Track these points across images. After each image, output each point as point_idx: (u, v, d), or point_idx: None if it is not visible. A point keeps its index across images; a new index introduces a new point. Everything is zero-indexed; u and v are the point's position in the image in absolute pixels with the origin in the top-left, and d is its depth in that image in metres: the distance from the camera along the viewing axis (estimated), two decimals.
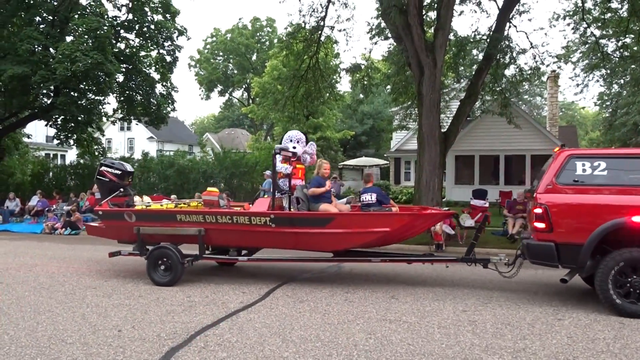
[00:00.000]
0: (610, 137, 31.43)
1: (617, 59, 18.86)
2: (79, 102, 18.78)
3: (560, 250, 6.03)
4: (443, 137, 13.56)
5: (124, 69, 19.90)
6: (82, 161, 22.60)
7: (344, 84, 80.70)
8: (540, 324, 5.48)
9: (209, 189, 9.45)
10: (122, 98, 20.97)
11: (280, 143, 8.29)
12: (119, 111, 22.14)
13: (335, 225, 7.19)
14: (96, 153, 22.78)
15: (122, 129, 47.37)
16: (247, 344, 4.77)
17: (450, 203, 19.83)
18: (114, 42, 19.55)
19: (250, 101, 51.24)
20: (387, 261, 7.64)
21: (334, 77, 21.04)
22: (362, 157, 38.01)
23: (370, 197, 7.99)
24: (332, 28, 16.86)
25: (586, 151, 6.78)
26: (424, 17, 14.89)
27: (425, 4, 14.87)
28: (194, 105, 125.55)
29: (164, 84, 21.76)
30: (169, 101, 21.79)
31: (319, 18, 16.26)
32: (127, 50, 20.53)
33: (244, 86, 56.59)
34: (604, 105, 35.19)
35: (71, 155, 35.32)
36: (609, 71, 23.35)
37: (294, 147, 8.14)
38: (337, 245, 7.38)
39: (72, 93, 18.51)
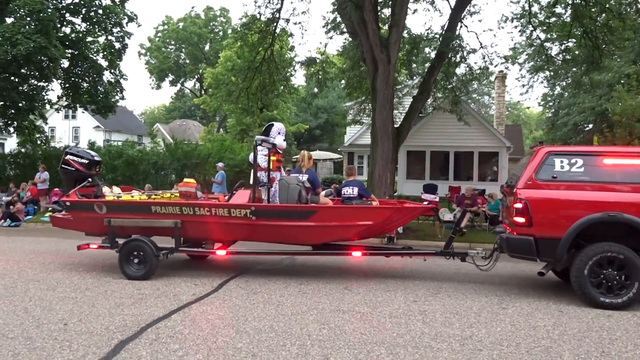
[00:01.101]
0: (552, 137, 32.87)
1: (560, 61, 19.71)
2: (20, 87, 17.88)
3: (539, 244, 6.23)
4: (396, 132, 13.80)
5: (69, 55, 19.09)
6: (23, 150, 21.53)
7: (299, 78, 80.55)
8: (486, 312, 5.70)
9: (185, 180, 9.21)
10: (67, 85, 20.12)
11: (262, 134, 8.07)
12: (64, 98, 21.23)
13: (319, 218, 7.16)
14: (38, 142, 21.76)
15: (66, 117, 45.40)
16: (199, 335, 4.72)
17: (401, 197, 20.22)
18: (59, 26, 18.72)
19: (203, 92, 50.31)
20: (366, 254, 7.68)
21: (289, 70, 20.95)
22: (316, 150, 38.15)
23: (352, 191, 8.05)
24: (287, 21, 16.80)
25: (564, 148, 7.08)
26: (379, 13, 15.06)
27: (380, 0, 15.04)
28: (144, 95, 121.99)
29: (112, 71, 21.05)
30: (118, 89, 21.10)
31: (275, 10, 16.15)
32: (73, 35, 19.70)
33: (196, 76, 55.44)
34: (547, 106, 36.73)
35: (11, 143, 33.57)
36: (552, 73, 24.38)
37: (284, 140, 8.05)
38: (319, 238, 7.38)
39: (12, 78, 17.59)
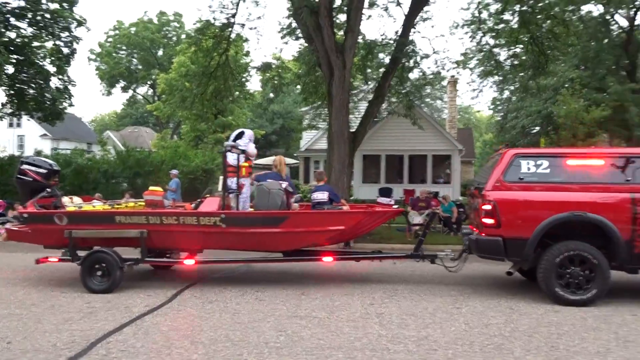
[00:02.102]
0: (501, 139, 33.98)
1: (508, 66, 20.41)
2: None
3: (507, 245, 6.38)
4: (352, 137, 13.91)
5: (14, 60, 18.29)
6: None
7: (254, 83, 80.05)
8: (440, 313, 5.80)
9: (151, 188, 8.94)
10: (11, 91, 19.24)
11: (228, 140, 7.94)
12: (8, 106, 20.29)
13: (290, 224, 7.09)
14: None
15: (11, 125, 43.39)
16: (153, 348, 4.58)
17: (357, 201, 20.38)
18: (3, 30, 17.92)
19: (156, 98, 49.23)
20: (337, 259, 7.66)
21: (244, 75, 20.83)
22: (273, 156, 37.99)
23: (322, 196, 8.02)
24: (242, 26, 16.67)
25: (530, 150, 7.26)
26: (335, 19, 15.18)
27: (335, 6, 15.16)
28: (94, 102, 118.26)
29: (60, 77, 20.28)
30: (66, 96, 20.34)
31: (230, 15, 16.00)
32: (19, 40, 18.88)
33: (149, 82, 54.20)
34: (496, 110, 37.98)
35: None
36: (501, 78, 25.22)
37: (256, 147, 7.97)
38: (291, 244, 7.31)
39: None
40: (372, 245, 11.17)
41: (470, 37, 19.66)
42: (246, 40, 18.90)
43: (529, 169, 6.59)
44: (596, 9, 23.16)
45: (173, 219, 7.17)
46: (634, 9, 23.25)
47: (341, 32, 15.64)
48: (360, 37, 15.70)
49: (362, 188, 22.23)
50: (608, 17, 23.85)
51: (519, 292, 6.81)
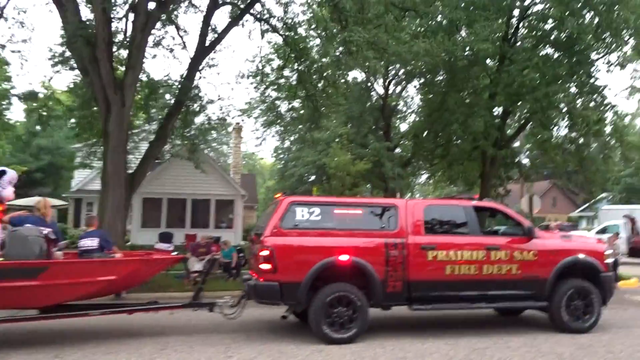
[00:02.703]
0: (282, 186, 35.97)
1: (288, 118, 21.95)
2: None
3: (283, 289, 6.53)
4: (130, 178, 13.06)
5: None
6: None
7: (17, 112, 70.20)
8: None
9: None
10: None
11: None
12: None
13: (50, 275, 6.09)
14: None
15: None
16: None
17: (135, 247, 19.06)
18: None
19: None
20: (107, 313, 6.87)
21: (3, 103, 18.11)
22: (37, 196, 33.35)
23: (92, 242, 7.11)
24: (3, 47, 14.60)
25: (304, 198, 7.63)
26: (116, 53, 14.35)
27: (117, 40, 14.37)
28: None
29: None
30: None
31: None
32: None
33: None
34: (278, 158, 40.26)
35: None
36: (282, 128, 26.96)
37: (16, 184, 6.67)
38: (52, 298, 6.28)
39: None
40: (149, 294, 10.42)
41: (255, 87, 20.68)
42: (7, 64, 16.54)
43: (303, 216, 7.03)
44: (360, 76, 26.71)
45: None
46: (388, 79, 27.50)
47: (123, 67, 14.85)
48: (144, 74, 15.15)
49: (142, 233, 20.93)
50: (369, 83, 27.66)
51: (290, 335, 7.05)
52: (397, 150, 28.26)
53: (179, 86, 15.11)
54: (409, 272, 7.00)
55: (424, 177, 27.90)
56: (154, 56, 16.46)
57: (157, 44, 15.48)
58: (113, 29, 13.53)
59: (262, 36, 16.02)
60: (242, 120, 34.22)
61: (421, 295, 7.13)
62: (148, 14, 12.55)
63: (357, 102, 27.21)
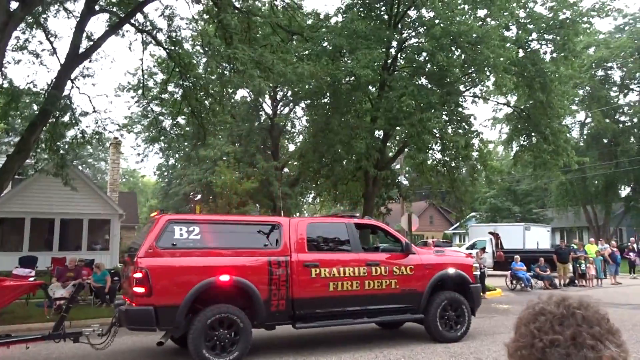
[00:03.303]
0: (165, 205, 34.43)
1: (172, 135, 21.07)
2: None
3: (159, 313, 5.99)
4: None
5: None
6: None
7: None
8: None
9: None
10: None
11: None
12: None
13: None
14: None
15: None
16: None
17: None
18: None
19: None
20: None
21: None
22: None
23: None
24: None
25: (183, 216, 7.20)
26: None
27: None
28: None
29: None
30: None
31: None
32: None
33: None
34: (162, 175, 38.57)
35: None
36: (166, 145, 25.87)
37: None
38: None
39: None
40: (1, 327, 9.24)
41: (136, 101, 19.65)
42: None
43: (182, 234, 6.64)
44: (249, 95, 26.64)
45: None
46: (276, 100, 27.75)
47: None
48: (6, 80, 13.64)
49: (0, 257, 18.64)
50: (257, 103, 27.69)
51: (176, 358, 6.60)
52: (285, 170, 28.48)
53: (46, 95, 13.83)
54: (293, 290, 6.92)
55: (311, 197, 28.35)
56: (19, 61, 14.94)
57: (21, 47, 14.10)
58: None
59: (145, 48, 15.36)
60: (122, 135, 32.26)
61: (305, 313, 7.07)
62: (9, 14, 11.37)
63: (245, 121, 27.07)
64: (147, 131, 25.27)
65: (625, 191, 37.65)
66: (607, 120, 33.48)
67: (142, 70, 17.78)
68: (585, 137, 36.20)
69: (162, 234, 6.52)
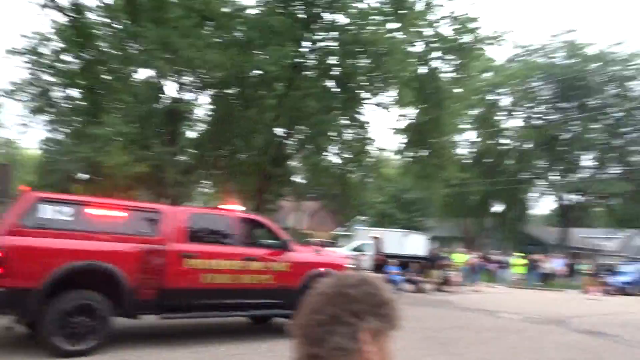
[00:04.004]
0: (49, 182, 31.97)
1: (63, 107, 19.71)
2: None
3: (12, 296, 5.66)
4: None
5: None
6: None
7: None
8: None
9: None
10: None
11: None
12: None
13: None
14: None
15: None
16: None
17: None
18: None
19: None
20: None
21: None
22: None
23: None
24: None
25: (55, 195, 6.79)
26: None
27: None
28: None
29: None
30: None
31: None
32: None
33: None
34: (47, 150, 35.79)
35: None
36: (55, 117, 24.10)
37: None
38: None
39: None
40: None
41: (28, 67, 18.26)
42: None
43: (52, 214, 6.36)
44: (156, 77, 25.49)
45: None
46: (181, 84, 26.89)
47: None
48: None
49: None
50: (160, 85, 26.64)
51: (18, 349, 6.28)
52: (182, 157, 27.65)
53: None
54: (165, 280, 6.89)
55: (205, 188, 27.90)
56: None
57: None
58: None
59: (42, 10, 14.21)
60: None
61: (176, 304, 7.08)
62: None
63: (145, 102, 25.89)
64: (35, 100, 23.41)
65: (498, 208, 41.36)
66: (491, 142, 36.56)
67: (39, 36, 16.47)
68: (474, 154, 39.17)
69: (28, 212, 6.21)
